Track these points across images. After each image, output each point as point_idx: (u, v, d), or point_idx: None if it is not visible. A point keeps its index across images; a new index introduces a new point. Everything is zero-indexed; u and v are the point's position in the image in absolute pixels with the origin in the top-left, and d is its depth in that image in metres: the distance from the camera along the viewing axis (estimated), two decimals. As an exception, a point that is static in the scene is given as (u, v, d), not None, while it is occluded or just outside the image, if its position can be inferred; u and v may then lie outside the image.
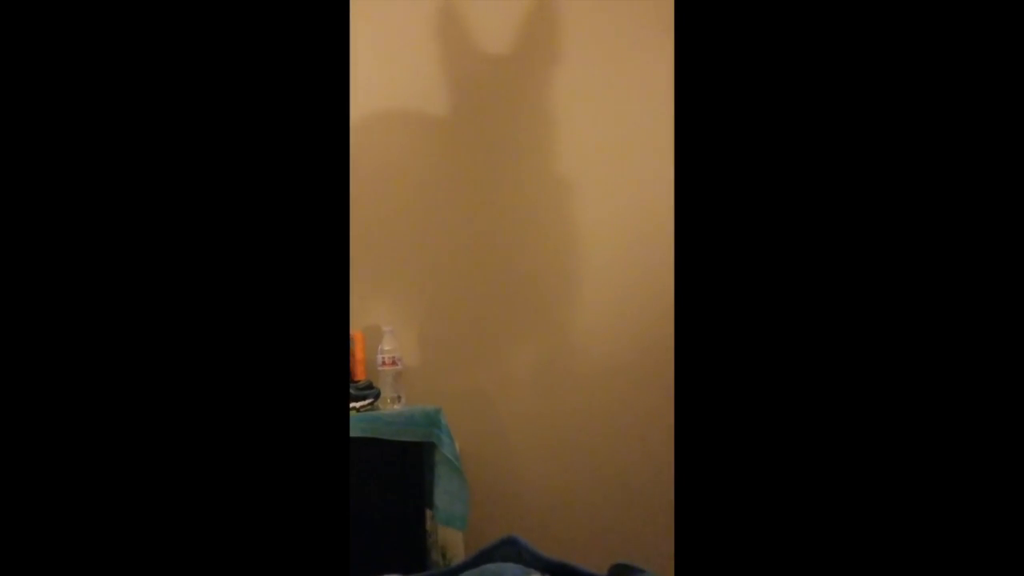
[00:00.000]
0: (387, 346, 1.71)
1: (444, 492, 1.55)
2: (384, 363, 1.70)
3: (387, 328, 1.73)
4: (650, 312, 1.85)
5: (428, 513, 1.57)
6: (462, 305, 1.89)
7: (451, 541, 1.61)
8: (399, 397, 1.68)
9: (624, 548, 1.82)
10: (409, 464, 1.57)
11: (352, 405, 1.59)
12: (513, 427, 1.87)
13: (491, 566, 1.08)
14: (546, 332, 1.90)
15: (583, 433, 1.89)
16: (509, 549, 1.23)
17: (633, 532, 1.83)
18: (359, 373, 1.77)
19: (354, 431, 1.49)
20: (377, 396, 1.64)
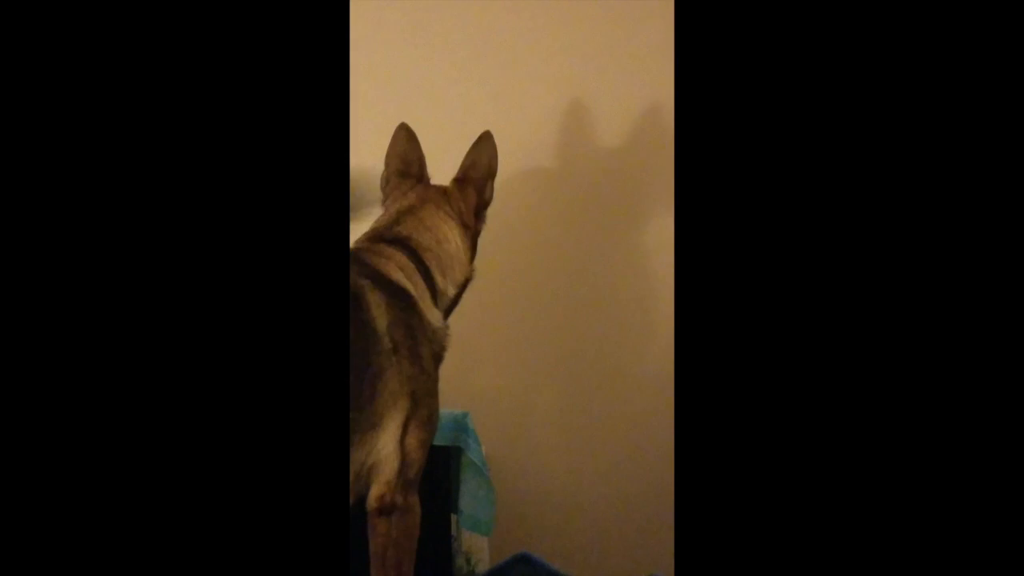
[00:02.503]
0: (415, 349, 1.70)
1: (470, 497, 1.54)
2: (412, 366, 1.70)
3: (416, 330, 1.72)
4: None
5: (453, 518, 1.56)
6: (492, 306, 1.86)
7: (476, 547, 1.60)
8: (427, 400, 1.67)
9: (653, 558, 1.79)
10: (435, 468, 1.55)
11: (379, 408, 1.58)
12: (543, 433, 1.84)
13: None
14: (581, 335, 1.86)
15: (617, 441, 1.85)
16: (523, 568, 1.21)
17: (664, 542, 1.79)
18: (387, 375, 1.77)
19: (380, 434, 1.48)
20: (404, 399, 1.63)
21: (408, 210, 1.36)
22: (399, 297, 1.20)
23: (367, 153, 1.63)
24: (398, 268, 1.25)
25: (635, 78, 1.88)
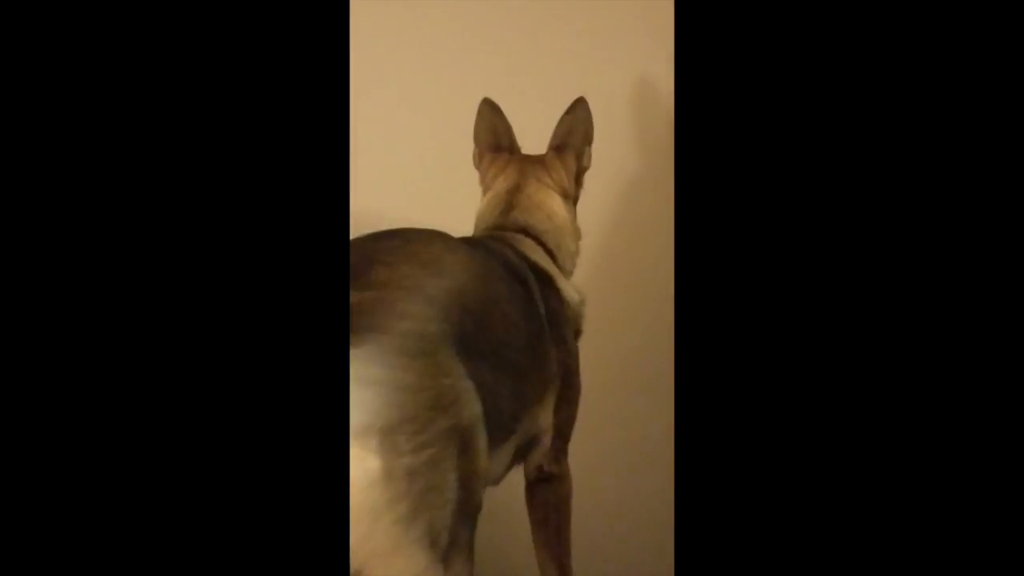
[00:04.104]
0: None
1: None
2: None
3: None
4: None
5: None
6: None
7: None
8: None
9: (650, 564, 1.78)
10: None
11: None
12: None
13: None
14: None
15: (613, 445, 1.84)
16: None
17: (662, 550, 1.78)
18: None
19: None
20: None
21: (515, 189, 1.39)
22: (546, 281, 1.26)
23: (367, 153, 1.62)
24: (535, 252, 1.30)
25: (636, 77, 1.88)
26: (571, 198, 1.44)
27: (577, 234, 1.44)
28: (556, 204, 1.40)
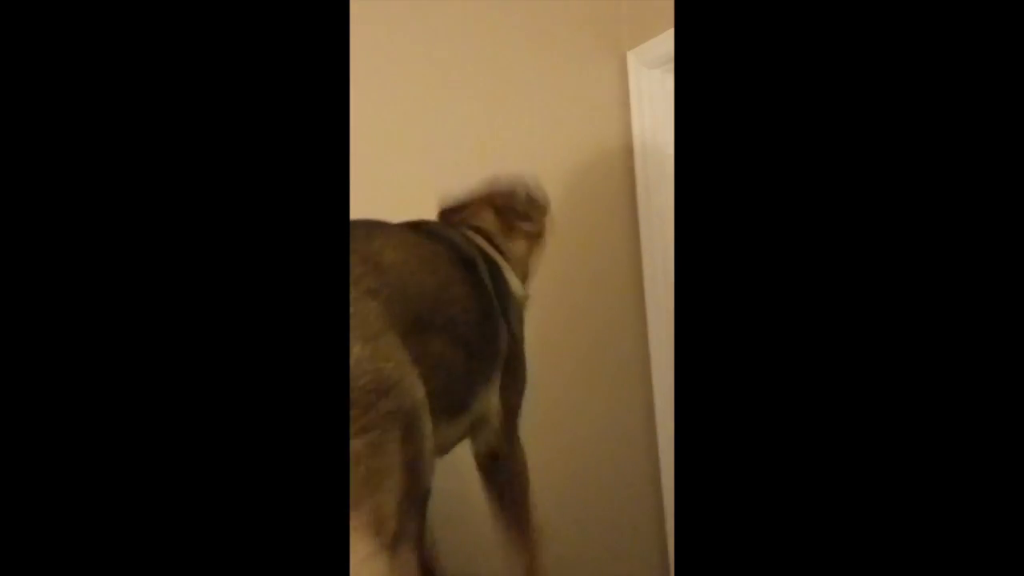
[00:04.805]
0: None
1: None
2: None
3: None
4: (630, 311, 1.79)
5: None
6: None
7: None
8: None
9: (638, 563, 1.79)
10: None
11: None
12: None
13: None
14: (555, 337, 1.85)
15: (594, 440, 1.84)
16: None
17: (649, 548, 1.79)
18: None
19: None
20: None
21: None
22: (493, 266, 1.25)
23: (367, 152, 1.60)
24: (481, 239, 1.30)
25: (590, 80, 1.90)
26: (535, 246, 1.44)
27: (525, 275, 1.42)
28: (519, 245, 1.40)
